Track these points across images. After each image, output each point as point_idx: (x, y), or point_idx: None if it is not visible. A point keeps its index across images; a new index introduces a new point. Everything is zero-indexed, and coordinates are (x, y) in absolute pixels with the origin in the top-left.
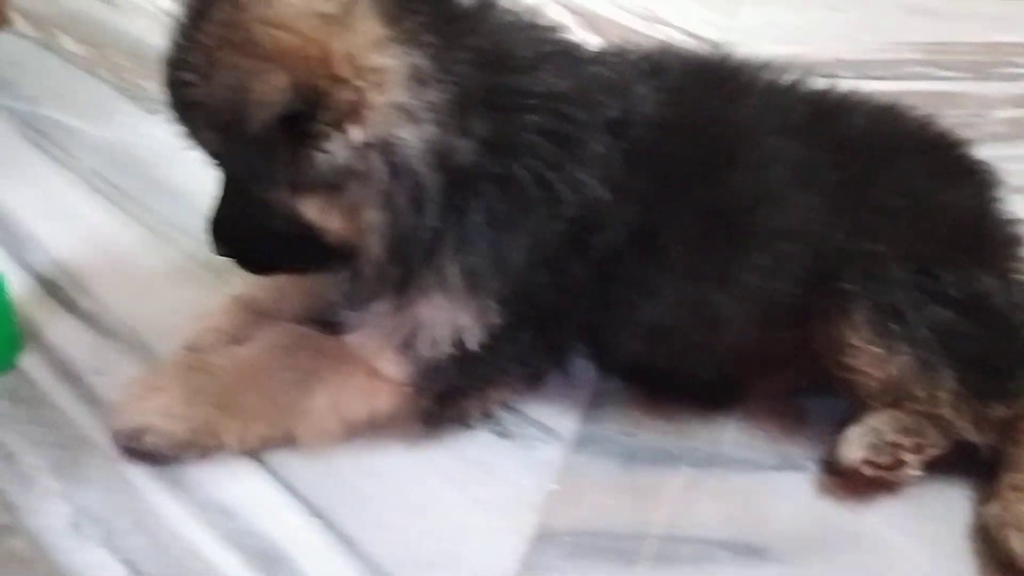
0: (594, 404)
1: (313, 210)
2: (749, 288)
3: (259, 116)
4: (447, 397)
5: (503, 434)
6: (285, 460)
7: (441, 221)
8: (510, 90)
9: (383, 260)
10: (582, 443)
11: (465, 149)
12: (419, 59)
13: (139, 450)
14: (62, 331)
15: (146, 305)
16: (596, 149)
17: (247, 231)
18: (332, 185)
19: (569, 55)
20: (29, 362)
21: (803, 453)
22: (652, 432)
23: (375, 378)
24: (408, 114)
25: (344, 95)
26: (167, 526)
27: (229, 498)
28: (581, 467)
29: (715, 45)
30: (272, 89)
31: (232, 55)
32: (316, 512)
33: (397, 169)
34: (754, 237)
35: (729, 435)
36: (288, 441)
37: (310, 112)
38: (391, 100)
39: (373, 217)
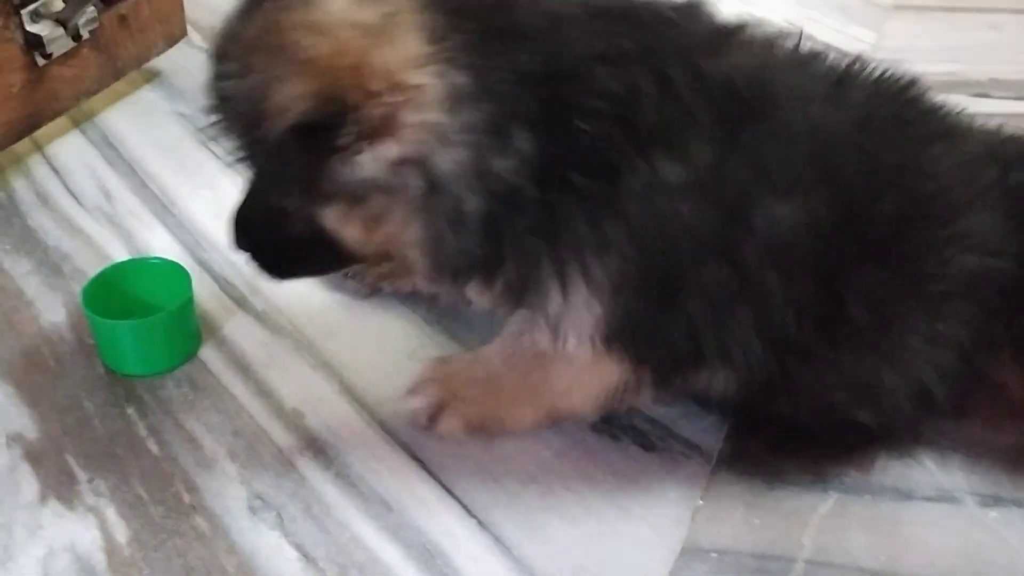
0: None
1: (332, 219)
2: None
3: (277, 123)
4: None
5: (648, 447)
6: (442, 461)
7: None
8: (561, 103)
9: (435, 274)
10: (727, 460)
11: (507, 169)
12: (460, 78)
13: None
14: (236, 326)
15: (309, 304)
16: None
17: (265, 232)
18: (354, 196)
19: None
20: (208, 354)
21: (961, 486)
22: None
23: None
24: (444, 135)
25: (376, 110)
26: (333, 515)
27: (389, 493)
28: (726, 484)
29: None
30: (291, 97)
31: (264, 57)
32: (471, 512)
33: (435, 187)
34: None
35: (880, 462)
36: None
37: (334, 123)
38: (427, 119)
39: (413, 233)
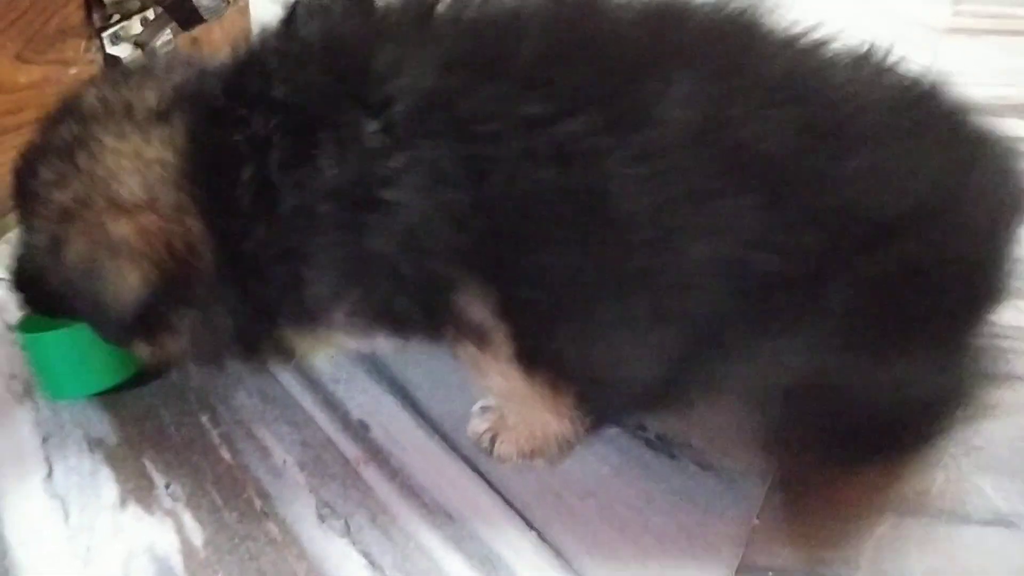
0: None
1: (140, 348)
2: None
3: (116, 310)
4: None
5: (705, 465)
6: (503, 475)
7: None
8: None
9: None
10: (782, 481)
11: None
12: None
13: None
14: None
15: None
16: None
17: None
18: (151, 335)
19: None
20: (277, 367)
21: (1018, 510)
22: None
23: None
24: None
25: (184, 273)
26: (398, 524)
27: (452, 504)
28: (782, 504)
29: None
30: (126, 289)
31: (82, 239)
32: (531, 525)
33: (207, 326)
34: None
35: (937, 487)
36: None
37: (160, 295)
38: (207, 277)
39: (183, 346)
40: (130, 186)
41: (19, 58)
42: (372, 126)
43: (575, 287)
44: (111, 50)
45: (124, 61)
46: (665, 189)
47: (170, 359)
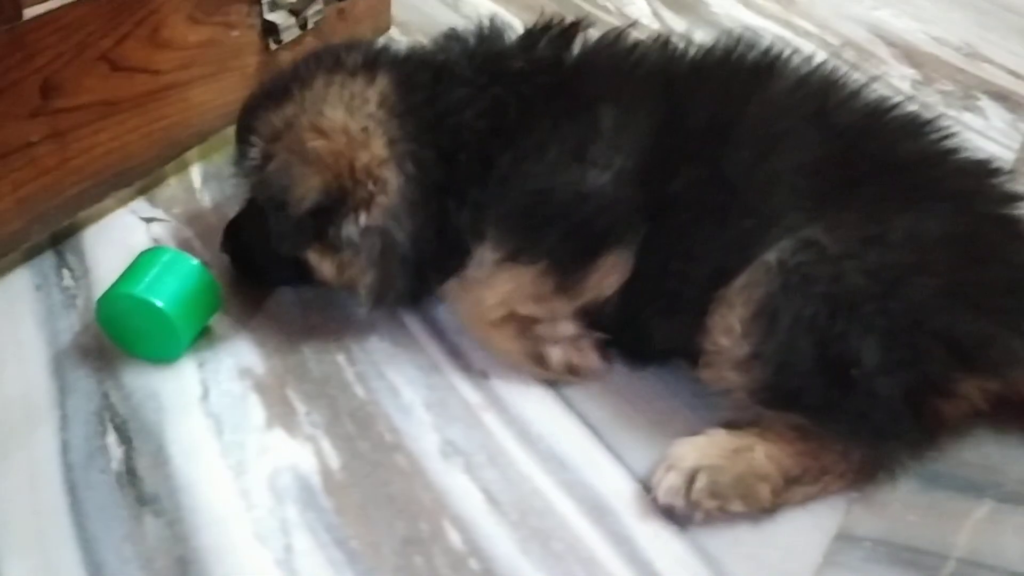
0: None
1: (314, 258)
2: None
3: (296, 206)
4: None
5: None
6: (613, 428)
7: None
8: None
9: (374, 305)
10: (884, 456)
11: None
12: (408, 170)
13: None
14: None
15: None
16: None
17: (255, 247)
18: (334, 247)
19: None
20: (407, 318)
21: None
22: (955, 460)
23: None
24: (397, 213)
25: (360, 193)
26: (515, 466)
27: (565, 453)
28: (882, 481)
29: None
30: (308, 189)
31: (284, 151)
32: (637, 478)
33: (388, 247)
34: None
35: None
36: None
37: (334, 205)
38: (389, 202)
39: (367, 278)
40: (331, 115)
41: (191, 18)
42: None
43: None
44: (268, 16)
45: (280, 26)
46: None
47: (347, 280)
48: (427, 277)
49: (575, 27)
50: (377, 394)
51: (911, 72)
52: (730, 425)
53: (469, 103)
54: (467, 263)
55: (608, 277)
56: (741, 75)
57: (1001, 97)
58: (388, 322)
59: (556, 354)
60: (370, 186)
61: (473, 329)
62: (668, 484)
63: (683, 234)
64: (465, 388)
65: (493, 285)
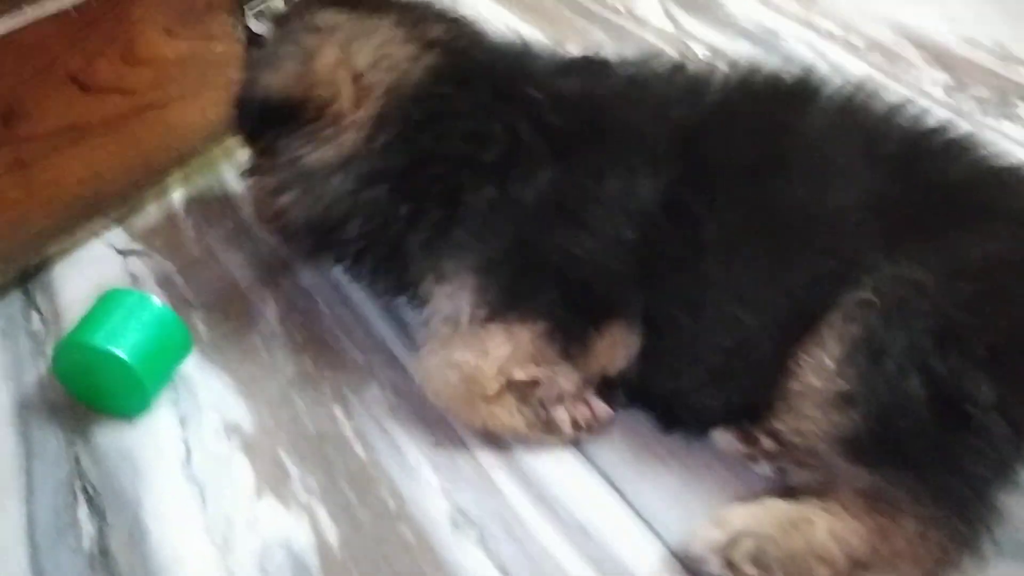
0: None
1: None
2: None
3: (262, 90)
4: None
5: None
6: (640, 490)
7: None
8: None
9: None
10: None
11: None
12: (381, 142)
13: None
14: None
15: None
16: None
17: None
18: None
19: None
20: (409, 360)
21: None
22: None
23: None
24: (346, 164)
25: (324, 126)
26: (535, 538)
27: (588, 520)
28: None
29: None
30: (284, 84)
31: (294, 40)
32: (670, 549)
33: (314, 188)
34: None
35: None
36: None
37: (293, 117)
38: (345, 150)
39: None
40: (357, 51)
41: (168, 32)
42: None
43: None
44: (254, 26)
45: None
46: None
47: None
48: (330, 254)
49: (607, 65)
50: (379, 454)
51: (943, 77)
52: (787, 493)
53: (460, 119)
54: (415, 302)
55: (615, 349)
56: (777, 106)
57: None
58: (388, 367)
59: (563, 416)
60: (339, 124)
61: (466, 410)
62: (708, 537)
63: (730, 283)
64: (475, 445)
65: (487, 351)
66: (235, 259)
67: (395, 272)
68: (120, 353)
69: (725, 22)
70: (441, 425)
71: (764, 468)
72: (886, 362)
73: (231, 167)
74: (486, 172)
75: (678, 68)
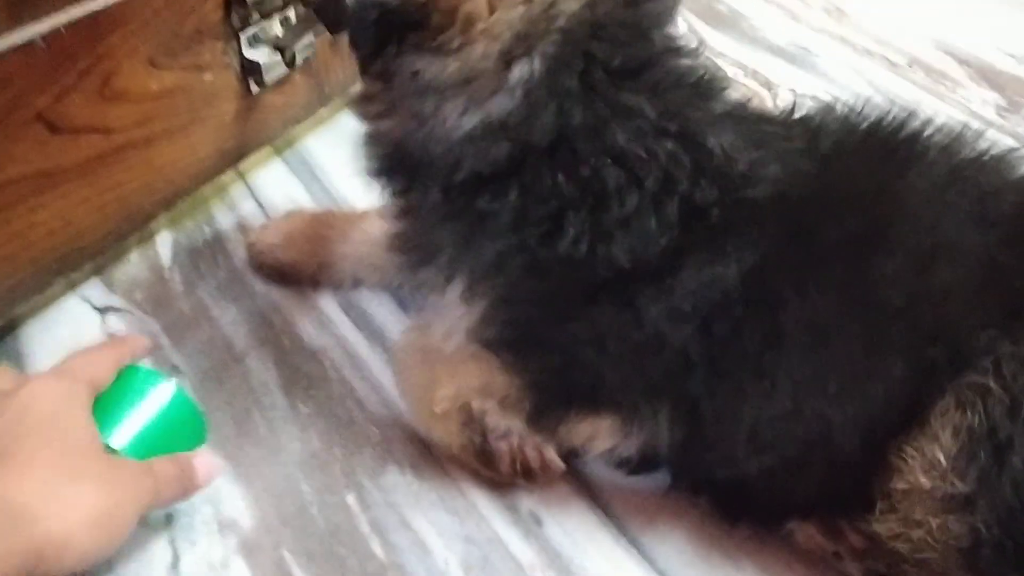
0: None
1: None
2: None
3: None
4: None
5: None
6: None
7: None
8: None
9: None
10: None
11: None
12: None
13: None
14: None
15: None
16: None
17: None
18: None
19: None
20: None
21: None
22: None
23: None
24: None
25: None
26: None
27: None
28: None
29: None
30: None
31: None
32: None
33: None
34: None
35: None
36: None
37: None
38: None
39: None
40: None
41: (151, 63)
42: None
43: None
44: (248, 54)
45: (263, 65)
46: None
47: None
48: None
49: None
50: (400, 552)
51: (993, 96)
52: None
53: (600, 132)
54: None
55: (594, 440)
56: (880, 161)
57: None
58: (408, 444)
59: (503, 450)
60: (468, 32)
61: (416, 409)
62: None
63: (811, 374)
64: (513, 538)
65: (456, 374)
66: (229, 315)
67: (432, 238)
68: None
69: (753, 37)
70: (473, 515)
71: (852, 569)
72: (1011, 458)
73: (224, 207)
74: (591, 201)
75: (793, 114)
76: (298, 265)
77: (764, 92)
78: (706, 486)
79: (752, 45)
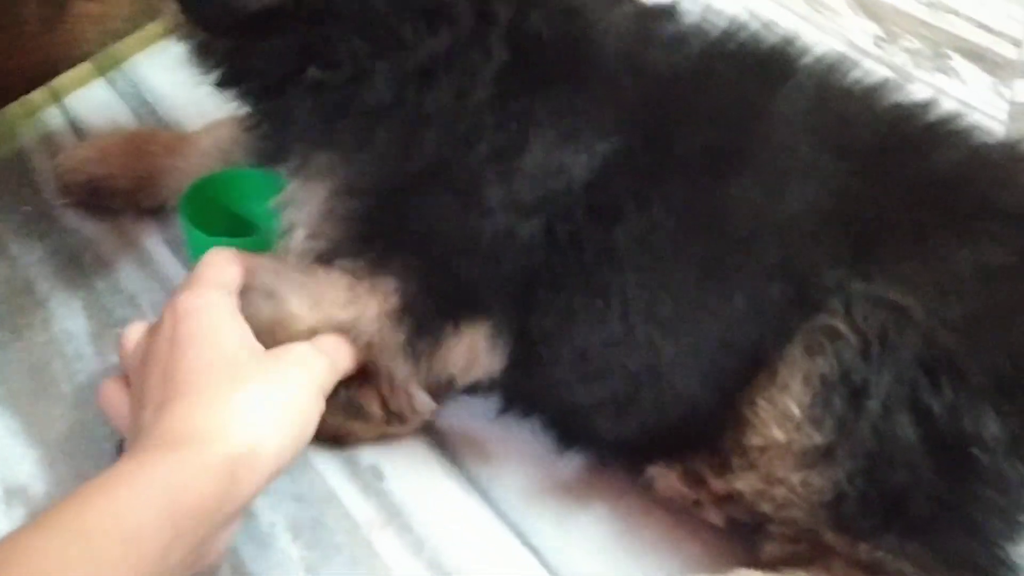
0: None
1: None
2: None
3: None
4: None
5: None
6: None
7: None
8: None
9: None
10: None
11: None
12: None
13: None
14: None
15: None
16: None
17: None
18: None
19: None
20: None
21: None
22: None
23: None
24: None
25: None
26: None
27: None
28: None
29: (1016, 42)
30: None
31: None
32: None
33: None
34: None
35: None
36: None
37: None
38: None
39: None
40: None
41: None
42: None
43: None
44: None
45: None
46: None
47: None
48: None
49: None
50: None
51: (871, 26)
52: (766, 563)
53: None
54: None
55: (471, 357)
56: (749, 82)
57: (976, 56)
58: None
59: (373, 395)
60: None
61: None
62: None
63: (646, 299)
64: (350, 494)
65: (319, 303)
66: (33, 253)
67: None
68: None
69: None
70: (304, 472)
71: (713, 516)
72: (868, 404)
73: (33, 131)
74: (418, 58)
75: (670, 12)
76: (113, 180)
77: None
78: (539, 412)
79: None
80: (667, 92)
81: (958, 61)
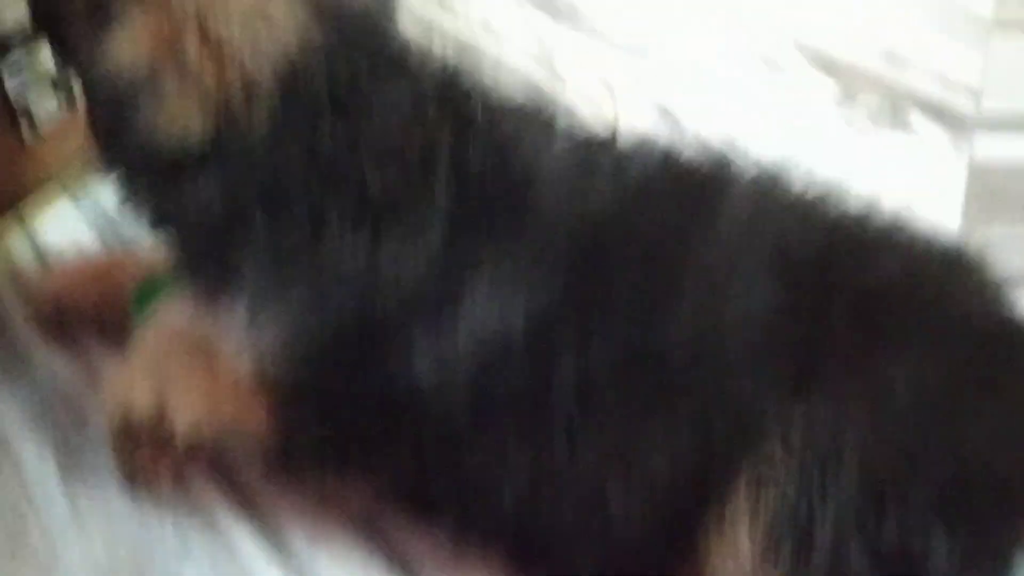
0: None
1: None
2: None
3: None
4: None
5: None
6: None
7: None
8: None
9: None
10: None
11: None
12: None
13: None
14: None
15: None
16: None
17: None
18: None
19: None
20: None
21: None
22: None
23: None
24: None
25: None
26: None
27: None
28: None
29: (970, 91)
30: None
31: None
32: None
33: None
34: None
35: None
36: None
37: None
38: None
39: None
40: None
41: None
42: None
43: None
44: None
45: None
46: None
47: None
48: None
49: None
50: None
51: (831, 83)
52: None
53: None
54: None
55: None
56: (686, 203)
57: (935, 112)
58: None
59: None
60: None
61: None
62: None
63: (600, 435)
64: None
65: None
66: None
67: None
68: None
69: (593, 29)
70: None
71: None
72: (817, 535)
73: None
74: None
75: (609, 139)
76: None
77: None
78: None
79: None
80: (604, 230)
81: (916, 117)
